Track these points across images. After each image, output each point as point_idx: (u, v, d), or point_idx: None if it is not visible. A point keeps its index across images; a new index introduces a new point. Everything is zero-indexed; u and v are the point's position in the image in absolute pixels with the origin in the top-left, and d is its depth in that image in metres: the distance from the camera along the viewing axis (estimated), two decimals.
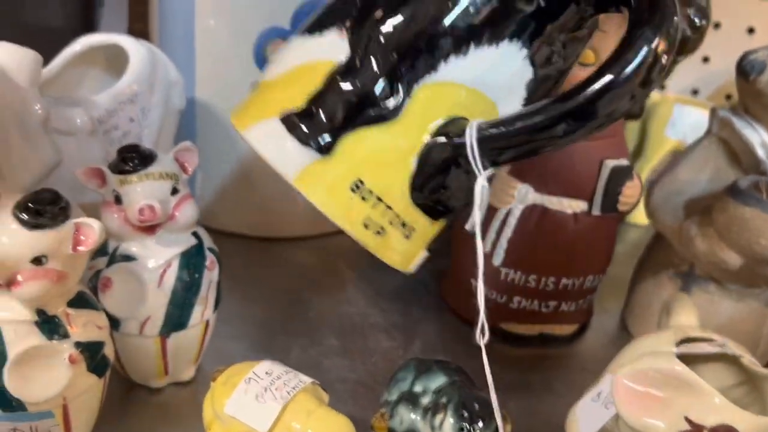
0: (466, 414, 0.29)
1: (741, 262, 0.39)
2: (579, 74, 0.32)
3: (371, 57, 0.28)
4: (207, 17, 0.47)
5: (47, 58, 0.38)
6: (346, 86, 0.28)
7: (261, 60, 0.47)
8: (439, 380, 0.31)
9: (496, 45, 0.28)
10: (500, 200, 0.42)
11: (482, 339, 0.28)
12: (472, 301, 0.44)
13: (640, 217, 0.56)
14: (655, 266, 0.46)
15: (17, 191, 0.30)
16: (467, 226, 0.29)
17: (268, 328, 0.44)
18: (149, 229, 0.34)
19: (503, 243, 0.42)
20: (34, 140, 0.36)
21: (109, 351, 0.32)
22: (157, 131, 0.44)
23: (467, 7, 0.28)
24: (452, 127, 0.28)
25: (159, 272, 0.34)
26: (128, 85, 0.42)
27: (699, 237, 0.40)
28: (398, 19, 0.28)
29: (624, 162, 0.41)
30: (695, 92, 0.69)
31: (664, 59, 0.27)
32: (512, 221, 0.42)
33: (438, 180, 0.29)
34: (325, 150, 0.28)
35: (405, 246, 0.30)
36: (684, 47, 0.44)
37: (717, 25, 0.65)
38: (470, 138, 0.27)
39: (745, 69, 0.40)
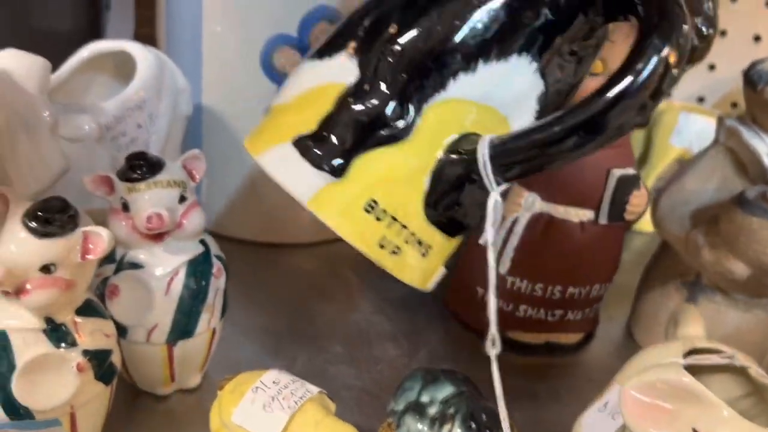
0: (474, 425, 0.29)
1: (748, 272, 0.39)
2: (589, 84, 0.32)
3: (381, 78, 0.28)
4: (214, 23, 0.48)
5: (55, 63, 0.39)
6: (357, 108, 0.28)
7: (268, 67, 0.48)
8: (446, 390, 0.31)
9: (505, 60, 0.28)
10: (507, 208, 0.42)
11: (493, 350, 0.28)
12: (478, 309, 0.44)
13: (645, 224, 0.56)
14: (661, 276, 0.46)
15: (25, 197, 0.30)
16: (480, 241, 0.28)
17: (274, 335, 0.44)
18: (157, 236, 0.34)
19: (509, 251, 0.42)
20: (43, 147, 0.36)
21: (116, 359, 0.32)
22: (164, 138, 0.44)
23: (475, 24, 0.28)
24: (464, 144, 0.28)
25: (166, 280, 0.35)
26: (136, 92, 0.42)
27: (706, 247, 0.40)
28: (406, 39, 0.28)
29: (631, 171, 0.41)
30: (701, 100, 0.69)
31: (674, 70, 0.27)
32: (519, 230, 0.42)
33: (452, 197, 0.29)
34: (338, 172, 0.28)
35: (422, 264, 0.30)
36: (691, 56, 0.44)
37: (723, 33, 0.65)
38: (482, 153, 0.27)
39: (752, 79, 0.40)
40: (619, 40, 0.35)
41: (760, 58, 0.42)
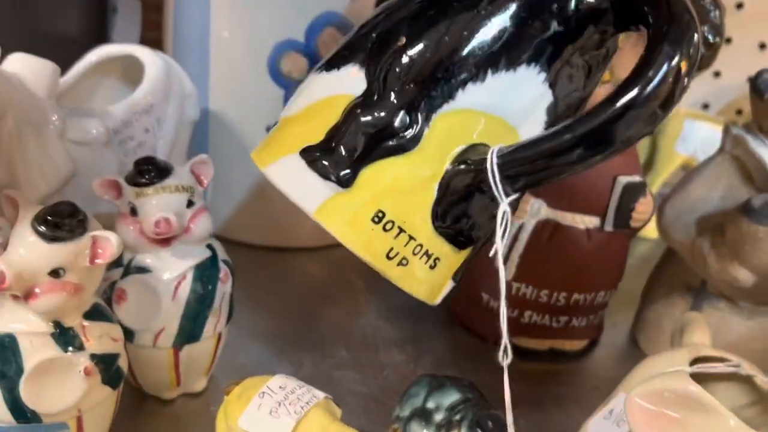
0: None
1: (753, 279, 0.39)
2: (597, 92, 0.32)
3: (388, 89, 0.28)
4: (222, 29, 0.48)
5: (62, 67, 0.39)
6: (364, 119, 0.28)
7: (275, 72, 0.48)
8: (452, 397, 0.31)
9: (513, 70, 0.28)
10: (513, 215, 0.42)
11: (505, 360, 0.28)
12: (483, 314, 0.44)
13: (650, 231, 0.56)
14: (666, 283, 0.46)
15: (34, 201, 0.31)
16: (490, 254, 0.28)
17: (280, 339, 0.44)
18: (164, 241, 0.34)
19: (515, 257, 0.42)
20: (51, 150, 0.37)
21: (123, 363, 0.32)
22: (171, 142, 0.45)
23: (483, 35, 0.28)
24: (473, 154, 0.28)
25: (173, 284, 0.35)
26: (144, 96, 0.43)
27: (711, 254, 0.40)
28: (414, 50, 0.28)
29: (637, 178, 0.41)
30: (706, 106, 0.69)
31: (685, 79, 0.26)
32: (524, 236, 0.42)
33: (460, 208, 0.29)
34: (345, 183, 0.28)
35: (430, 276, 0.30)
36: (698, 63, 0.44)
37: (728, 40, 0.65)
38: (491, 164, 0.27)
39: (759, 88, 0.40)
40: (627, 47, 0.35)
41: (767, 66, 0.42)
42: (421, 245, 0.29)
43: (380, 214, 0.28)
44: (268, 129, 0.49)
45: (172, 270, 0.35)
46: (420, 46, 0.28)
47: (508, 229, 0.28)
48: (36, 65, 0.36)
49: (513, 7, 0.28)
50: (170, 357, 0.36)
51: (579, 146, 0.26)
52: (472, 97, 0.28)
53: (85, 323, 0.30)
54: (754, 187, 0.42)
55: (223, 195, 0.52)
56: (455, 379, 0.32)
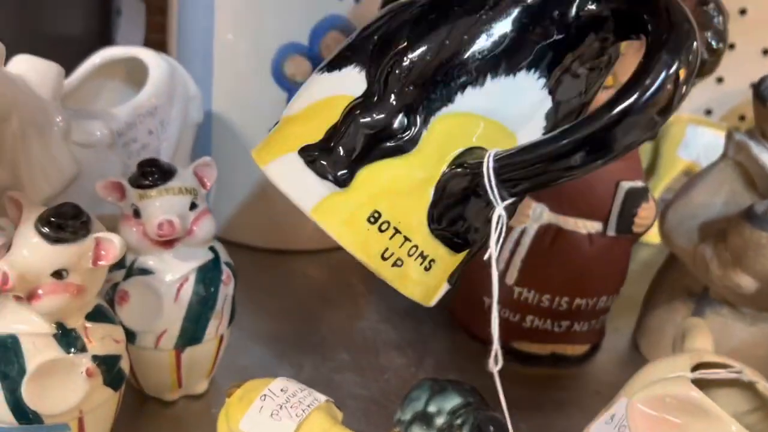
0: None
1: (756, 286, 0.39)
2: (600, 97, 0.32)
3: (388, 91, 0.28)
4: (226, 31, 0.48)
5: (66, 68, 0.39)
6: (363, 120, 0.28)
7: (279, 75, 0.48)
8: (453, 401, 0.31)
9: (513, 75, 0.28)
10: (515, 219, 0.42)
11: (496, 367, 0.28)
12: (484, 318, 0.44)
13: (652, 236, 0.56)
14: (668, 289, 0.46)
15: (36, 202, 0.31)
16: (485, 257, 0.28)
17: (281, 342, 0.44)
18: (167, 243, 0.34)
19: (517, 262, 0.42)
20: (55, 152, 0.37)
21: (125, 364, 0.32)
22: (174, 144, 0.45)
23: (483, 40, 0.28)
24: (469, 157, 0.28)
25: (176, 286, 0.35)
26: (148, 98, 0.43)
27: (714, 260, 0.40)
28: (415, 53, 0.28)
29: (639, 183, 0.41)
30: (708, 112, 0.69)
31: (683, 87, 0.26)
32: (526, 240, 0.42)
33: (456, 210, 0.29)
34: (342, 183, 0.28)
35: (425, 278, 0.30)
36: (701, 69, 0.44)
37: (731, 46, 0.65)
38: (487, 167, 0.27)
39: (763, 94, 0.40)
40: (630, 52, 0.35)
41: None
42: (416, 247, 0.29)
43: (376, 215, 0.28)
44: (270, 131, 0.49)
45: (175, 272, 0.35)
46: (421, 50, 0.28)
47: (503, 234, 0.28)
48: (41, 67, 0.36)
49: (514, 13, 0.28)
50: (172, 359, 0.36)
51: (576, 151, 0.26)
52: (470, 100, 0.28)
53: (88, 324, 0.30)
54: (756, 193, 0.42)
55: (225, 197, 0.52)
56: (457, 383, 0.32)
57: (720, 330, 0.42)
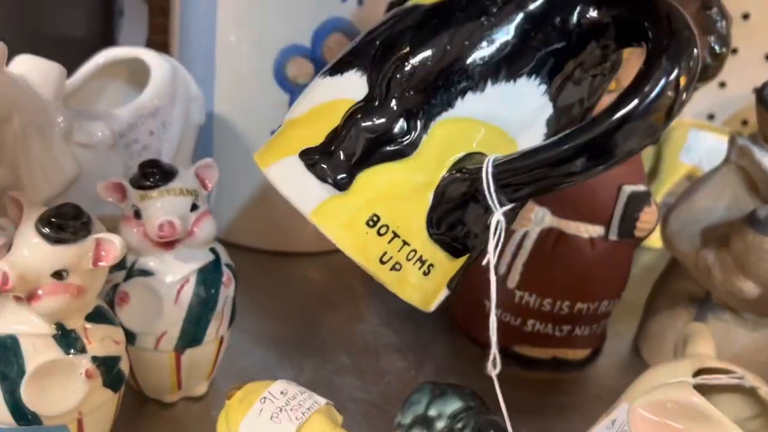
0: None
1: (758, 291, 0.39)
2: (603, 101, 0.32)
3: (389, 95, 0.28)
4: (228, 32, 0.48)
5: (68, 68, 0.39)
6: (364, 124, 0.28)
7: (281, 77, 0.48)
8: (454, 405, 0.31)
9: (513, 81, 0.28)
10: (517, 222, 0.42)
11: (494, 370, 0.28)
12: (483, 321, 0.44)
13: (653, 240, 0.55)
14: (670, 294, 0.45)
15: (37, 203, 0.31)
16: (483, 263, 0.28)
17: (281, 344, 0.44)
18: (168, 244, 0.34)
19: (518, 266, 0.42)
20: (56, 152, 0.37)
21: (124, 366, 0.32)
22: (176, 146, 0.45)
23: (484, 46, 0.28)
24: (469, 162, 0.28)
25: (176, 288, 0.35)
26: (150, 99, 0.43)
27: (716, 265, 0.40)
28: (416, 58, 0.28)
29: (642, 188, 0.41)
30: (711, 117, 0.69)
31: (684, 93, 0.26)
32: (528, 244, 0.42)
33: (455, 215, 0.29)
34: (342, 186, 0.28)
35: (424, 283, 0.30)
36: (704, 74, 0.44)
37: (734, 51, 0.65)
38: (486, 172, 0.27)
39: (765, 99, 0.40)
40: (633, 57, 0.35)
41: None
42: (415, 251, 0.29)
43: (375, 218, 0.28)
44: (272, 133, 0.49)
45: (175, 273, 0.35)
46: (422, 55, 0.28)
47: (501, 239, 0.28)
48: (43, 67, 0.36)
49: (516, 20, 0.28)
50: (172, 360, 0.36)
51: (576, 157, 0.26)
52: (471, 106, 0.28)
53: (88, 325, 0.30)
54: (759, 198, 0.41)
55: (226, 198, 0.52)
56: (457, 387, 0.32)
57: (722, 335, 0.42)
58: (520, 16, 0.28)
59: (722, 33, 0.44)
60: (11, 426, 0.29)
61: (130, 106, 0.42)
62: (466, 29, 0.28)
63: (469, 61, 0.28)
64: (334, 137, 0.29)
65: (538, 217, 0.41)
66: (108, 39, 0.61)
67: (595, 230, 0.41)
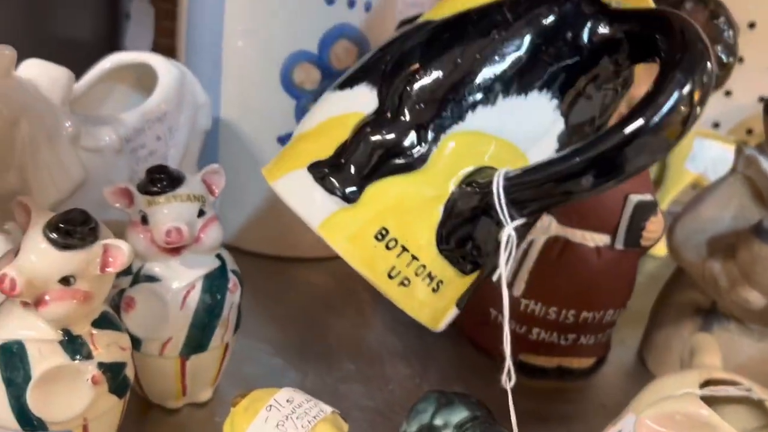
0: None
1: (764, 301, 0.39)
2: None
3: (399, 109, 0.28)
4: (235, 38, 0.48)
5: (75, 72, 0.39)
6: (374, 137, 0.28)
7: (287, 83, 0.48)
8: (460, 414, 0.31)
9: (524, 95, 0.28)
10: None
11: (509, 383, 0.28)
12: (490, 330, 0.44)
13: (659, 249, 0.55)
14: (675, 304, 0.45)
15: (44, 207, 0.31)
16: (494, 278, 0.28)
17: (286, 350, 0.44)
18: (175, 250, 0.34)
19: (524, 274, 0.42)
20: (63, 157, 0.37)
21: (130, 372, 0.32)
22: (182, 151, 0.45)
23: (496, 60, 0.28)
24: (479, 176, 0.28)
25: (182, 294, 0.34)
26: (157, 105, 0.43)
27: (722, 275, 0.40)
28: (427, 72, 0.28)
29: (648, 197, 0.41)
30: (716, 125, 0.69)
31: (698, 108, 0.26)
32: (534, 252, 0.42)
33: (465, 230, 0.28)
34: (350, 199, 0.28)
35: (433, 300, 0.29)
36: None
37: (740, 60, 0.65)
38: (497, 186, 0.27)
39: None
40: (641, 72, 0.35)
41: None
42: (423, 266, 0.29)
43: (383, 232, 0.28)
44: (278, 139, 0.49)
45: (182, 279, 0.35)
46: (433, 68, 0.28)
47: (513, 254, 0.27)
48: (52, 72, 0.36)
49: (527, 35, 0.28)
50: (177, 366, 0.36)
51: (587, 171, 0.26)
52: (481, 119, 0.28)
53: (94, 331, 0.30)
54: (766, 208, 0.41)
55: (231, 204, 0.52)
56: (463, 396, 0.32)
57: (727, 346, 0.42)
58: (532, 31, 0.28)
59: (729, 42, 0.44)
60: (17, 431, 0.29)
61: (137, 110, 0.42)
62: (477, 44, 0.28)
63: (480, 74, 0.28)
64: (344, 150, 0.29)
65: (544, 226, 0.41)
66: (114, 42, 0.61)
67: (602, 239, 0.41)
